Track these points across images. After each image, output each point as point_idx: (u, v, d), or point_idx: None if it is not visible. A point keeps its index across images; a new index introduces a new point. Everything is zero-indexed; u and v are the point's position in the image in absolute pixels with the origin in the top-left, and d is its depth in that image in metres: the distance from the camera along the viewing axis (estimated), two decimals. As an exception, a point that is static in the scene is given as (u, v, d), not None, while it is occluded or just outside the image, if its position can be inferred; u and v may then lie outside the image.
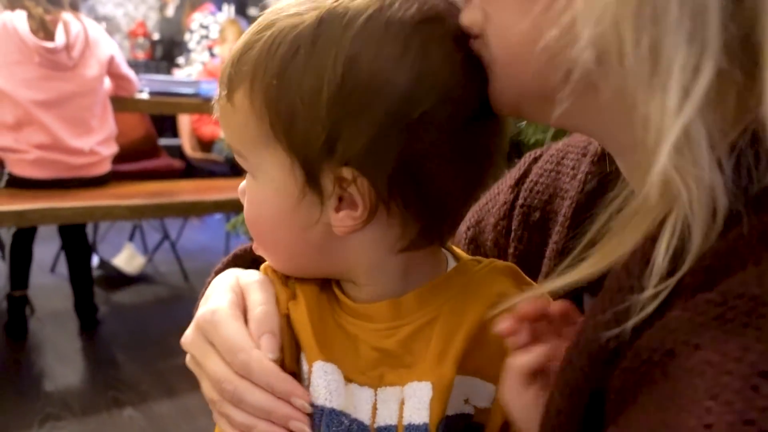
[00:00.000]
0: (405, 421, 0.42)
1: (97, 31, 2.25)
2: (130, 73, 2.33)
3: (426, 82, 0.40)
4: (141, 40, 5.14)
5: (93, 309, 2.45)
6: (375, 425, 0.43)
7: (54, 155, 2.11)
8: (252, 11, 5.22)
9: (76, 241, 2.36)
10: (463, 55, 0.40)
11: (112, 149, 2.28)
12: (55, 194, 2.06)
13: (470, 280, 0.46)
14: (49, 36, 2.08)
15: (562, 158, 0.56)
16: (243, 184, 0.48)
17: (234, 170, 3.20)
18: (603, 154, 0.50)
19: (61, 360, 2.16)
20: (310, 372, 0.44)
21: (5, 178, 2.12)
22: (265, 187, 0.44)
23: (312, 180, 0.42)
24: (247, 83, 0.42)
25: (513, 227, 0.58)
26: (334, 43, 0.39)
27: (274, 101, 0.41)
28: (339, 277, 0.47)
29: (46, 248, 2.92)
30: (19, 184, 2.11)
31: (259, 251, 0.49)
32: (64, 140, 2.12)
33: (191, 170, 3.22)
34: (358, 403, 0.44)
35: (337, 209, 0.42)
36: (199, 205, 2.23)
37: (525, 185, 0.58)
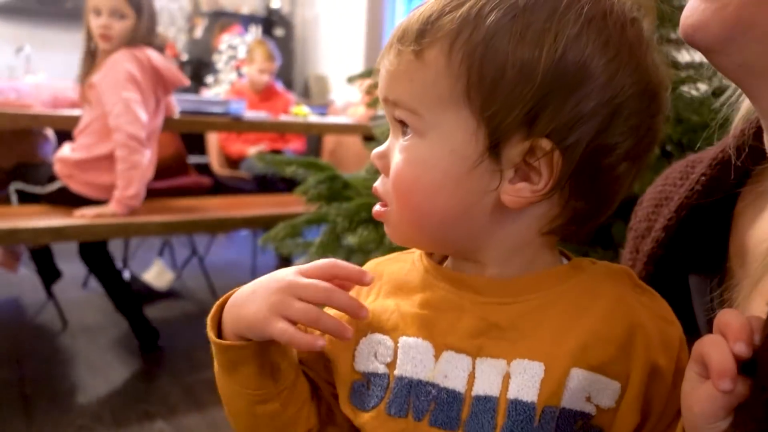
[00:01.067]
0: (510, 395, 0.43)
1: None
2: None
3: (636, 72, 0.42)
4: (171, 61, 5.26)
5: (152, 332, 2.41)
6: (473, 393, 0.44)
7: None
8: (278, 32, 5.31)
9: (100, 263, 2.38)
10: (656, 54, 0.44)
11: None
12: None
13: (588, 277, 0.46)
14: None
15: (670, 173, 0.60)
16: (383, 147, 0.48)
17: (261, 187, 3.24)
18: (726, 161, 0.52)
19: (93, 373, 2.21)
20: (395, 346, 0.47)
21: (53, 188, 2.18)
22: (437, 148, 0.44)
23: (494, 146, 0.42)
24: (447, 42, 0.42)
25: (627, 249, 0.62)
26: (555, 18, 0.41)
27: (479, 64, 0.41)
28: (466, 254, 0.48)
29: (79, 263, 2.99)
30: (67, 200, 2.17)
31: (393, 217, 0.47)
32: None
33: (219, 187, 3.28)
34: (452, 370, 0.45)
35: (512, 181, 0.43)
36: (229, 222, 2.27)
37: (639, 207, 0.63)
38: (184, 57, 5.37)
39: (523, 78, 0.40)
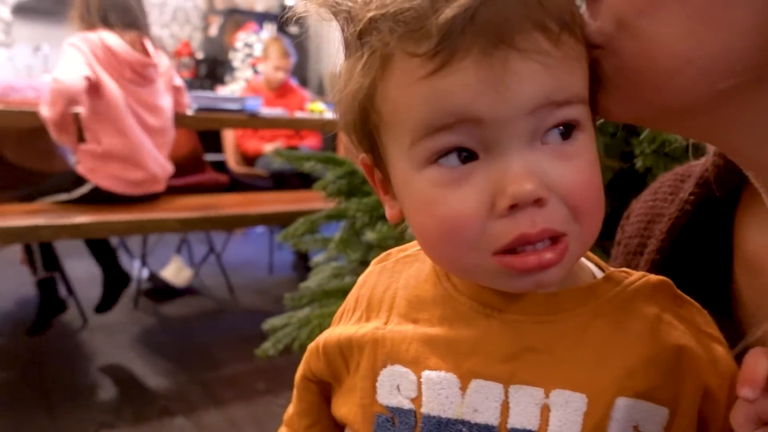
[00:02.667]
0: (551, 430, 0.39)
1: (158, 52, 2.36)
2: (181, 83, 2.42)
3: None
4: (186, 59, 5.28)
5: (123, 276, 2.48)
6: (509, 426, 0.39)
7: (147, 173, 2.19)
8: (293, 29, 5.32)
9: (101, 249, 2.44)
10: None
11: (170, 169, 2.36)
12: (107, 208, 2.13)
13: (623, 292, 0.42)
14: (144, 53, 2.18)
15: (659, 188, 0.58)
16: (522, 170, 0.36)
17: (277, 184, 3.25)
18: (708, 179, 0.50)
19: (113, 370, 2.22)
20: (418, 381, 0.42)
21: (84, 190, 2.20)
22: (593, 140, 0.39)
23: None
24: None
25: (617, 264, 0.59)
26: None
27: None
28: None
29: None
30: (97, 198, 2.18)
31: (575, 247, 0.38)
32: (156, 156, 2.20)
33: (235, 185, 3.29)
34: (482, 402, 0.40)
35: None
36: (245, 218, 2.27)
37: (627, 222, 0.61)
38: (200, 55, 5.40)
39: None
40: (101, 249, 2.43)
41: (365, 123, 0.41)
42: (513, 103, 0.35)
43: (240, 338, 2.49)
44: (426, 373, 0.41)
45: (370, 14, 0.37)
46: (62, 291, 2.46)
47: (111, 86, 2.11)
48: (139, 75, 2.16)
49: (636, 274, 0.43)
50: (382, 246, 1.38)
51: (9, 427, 1.80)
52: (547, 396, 0.39)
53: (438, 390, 0.41)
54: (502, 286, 0.39)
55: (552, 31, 0.35)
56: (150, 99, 2.22)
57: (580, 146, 0.37)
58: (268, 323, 1.48)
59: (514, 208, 0.35)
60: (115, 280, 2.46)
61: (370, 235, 1.32)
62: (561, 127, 0.37)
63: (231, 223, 2.33)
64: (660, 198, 0.57)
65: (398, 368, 0.43)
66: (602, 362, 0.39)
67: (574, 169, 0.37)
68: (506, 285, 0.39)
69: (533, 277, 0.37)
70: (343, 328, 0.48)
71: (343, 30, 0.41)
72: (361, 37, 0.39)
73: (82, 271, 2.38)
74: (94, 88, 2.07)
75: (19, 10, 4.83)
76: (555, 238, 0.37)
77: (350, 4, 0.40)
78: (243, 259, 3.65)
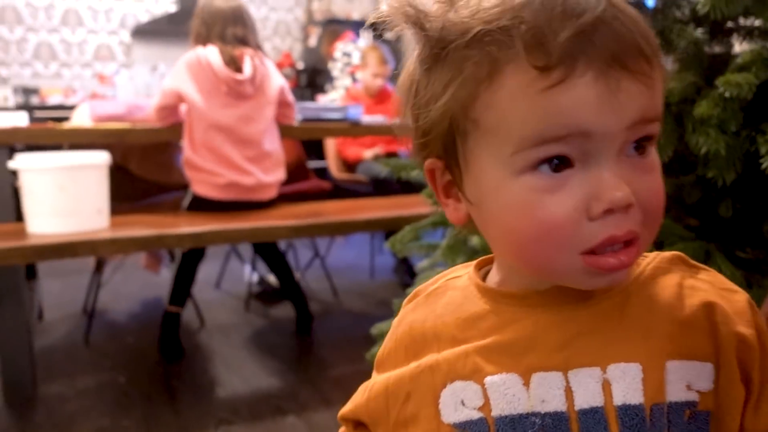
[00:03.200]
0: (617, 402, 0.42)
1: (271, 65, 2.47)
2: (293, 101, 2.53)
3: None
4: (287, 70, 5.49)
5: (308, 317, 2.63)
6: (576, 408, 0.43)
7: (231, 178, 2.32)
8: (389, 35, 5.38)
9: (274, 257, 2.62)
10: None
11: (280, 176, 2.47)
12: (225, 216, 2.27)
13: (644, 271, 0.47)
14: (237, 69, 2.31)
15: None
16: (613, 182, 0.39)
17: (377, 189, 3.31)
18: None
19: (229, 369, 2.35)
20: (483, 388, 0.45)
21: (189, 199, 2.38)
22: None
23: None
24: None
25: None
26: None
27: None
28: None
29: (212, 266, 3.20)
30: (198, 206, 2.35)
31: (641, 249, 0.42)
32: (238, 163, 2.33)
33: (338, 190, 3.38)
34: (547, 392, 0.43)
35: None
36: (350, 225, 2.34)
37: None
38: (300, 65, 5.59)
39: None
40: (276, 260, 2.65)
41: (449, 130, 0.43)
42: (620, 119, 0.39)
43: (346, 340, 2.57)
44: (489, 379, 0.44)
45: (482, 26, 0.40)
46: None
47: (198, 102, 2.26)
48: (233, 90, 2.29)
49: (650, 255, 0.48)
50: (487, 251, 1.39)
51: (138, 421, 1.95)
52: (604, 372, 0.43)
53: (503, 391, 0.44)
54: (581, 284, 0.43)
55: (649, 56, 0.39)
56: (246, 113, 2.34)
57: (654, 159, 0.42)
58: (376, 327, 1.51)
59: (607, 212, 0.39)
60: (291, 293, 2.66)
61: (475, 241, 1.33)
62: (636, 142, 0.41)
63: (336, 230, 2.41)
64: None
65: (458, 384, 0.46)
66: (645, 333, 0.44)
67: (651, 180, 0.41)
68: (586, 283, 0.42)
69: (611, 276, 0.41)
70: (391, 372, 0.51)
71: (426, 40, 0.43)
72: (466, 47, 0.40)
73: (199, 274, 2.53)
74: (186, 100, 2.28)
75: (137, 33, 5.22)
76: (629, 242, 0.41)
77: (449, 17, 0.42)
78: (345, 263, 3.75)
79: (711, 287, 0.46)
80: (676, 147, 1.09)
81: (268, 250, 2.64)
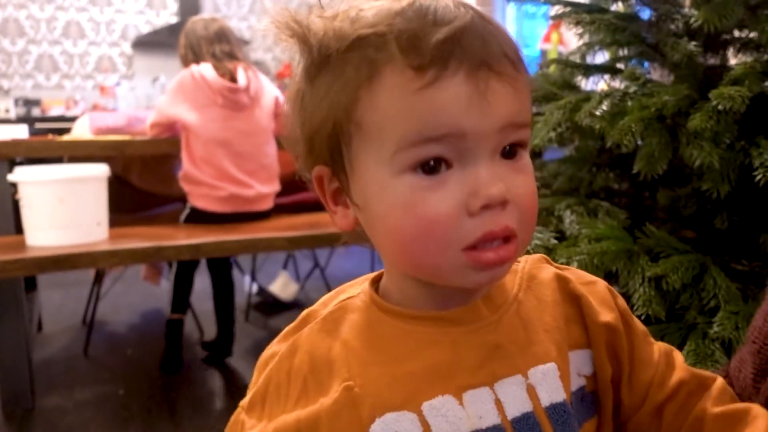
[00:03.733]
0: (545, 403, 0.45)
1: (264, 78, 2.50)
2: None
3: None
4: (288, 80, 5.51)
5: (231, 339, 2.52)
6: (509, 418, 0.44)
7: (231, 191, 2.33)
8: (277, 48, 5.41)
9: (222, 273, 2.55)
10: None
11: (276, 187, 2.48)
12: (223, 228, 2.27)
13: (523, 275, 0.51)
14: (233, 80, 2.34)
15: None
16: (491, 178, 0.42)
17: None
18: None
19: (229, 381, 2.35)
20: (420, 416, 0.43)
21: (187, 212, 2.38)
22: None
23: None
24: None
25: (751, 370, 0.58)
26: None
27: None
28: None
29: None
30: (196, 218, 2.35)
31: (520, 248, 0.45)
32: (237, 176, 2.34)
33: (337, 201, 3.38)
34: (481, 408, 0.44)
35: None
36: (348, 235, 2.33)
37: (762, 324, 0.58)
38: (301, 76, 5.62)
39: None
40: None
41: (333, 135, 0.44)
42: (492, 120, 0.41)
43: (345, 351, 2.56)
44: (427, 404, 0.44)
45: (360, 32, 0.42)
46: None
47: (194, 121, 2.28)
48: (229, 101, 2.30)
49: (521, 259, 0.52)
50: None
51: (138, 432, 1.95)
52: (526, 378, 0.46)
53: (444, 413, 0.44)
54: (465, 280, 0.44)
55: (514, 61, 0.43)
56: (243, 127, 2.35)
57: (527, 163, 0.45)
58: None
59: (484, 208, 0.41)
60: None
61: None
62: (507, 147, 0.43)
63: (334, 241, 2.40)
64: None
65: (390, 416, 0.43)
66: (546, 333, 0.48)
67: (524, 180, 0.44)
68: (469, 279, 0.43)
69: (492, 271, 0.43)
70: (292, 411, 0.45)
71: (309, 51, 0.45)
72: (345, 53, 0.43)
73: (197, 285, 2.53)
74: (180, 123, 2.31)
75: (138, 44, 5.25)
76: (507, 239, 0.43)
77: (329, 27, 0.45)
78: (346, 272, 3.74)
79: (577, 281, 0.51)
80: (671, 159, 1.10)
81: (219, 266, 2.56)
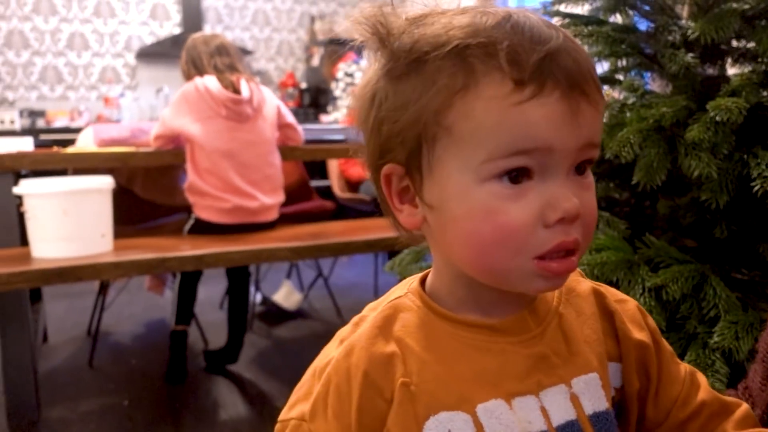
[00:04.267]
0: (588, 412, 0.47)
1: (266, 90, 2.52)
2: (295, 122, 2.56)
3: None
4: (291, 90, 5.53)
5: (239, 346, 2.54)
6: (554, 425, 0.46)
7: (235, 202, 2.34)
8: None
9: (241, 281, 2.56)
10: None
11: (280, 197, 2.49)
12: (226, 238, 2.28)
13: (560, 288, 0.52)
14: (236, 92, 2.35)
15: None
16: (567, 195, 0.44)
17: (379, 208, 3.32)
18: None
19: (232, 391, 2.35)
20: (474, 417, 0.45)
21: (191, 222, 2.39)
22: None
23: None
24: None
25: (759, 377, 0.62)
26: None
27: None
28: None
29: (215, 287, 3.21)
30: (200, 229, 2.37)
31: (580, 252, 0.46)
32: (242, 187, 2.35)
33: (341, 210, 3.40)
34: (529, 414, 0.46)
35: None
36: (352, 245, 2.34)
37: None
38: (303, 85, 5.63)
39: None
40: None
41: (416, 136, 0.45)
42: (578, 139, 0.44)
43: (349, 361, 2.56)
44: (481, 406, 0.46)
45: (462, 41, 0.43)
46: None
47: (198, 134, 2.30)
48: (233, 112, 2.32)
49: None
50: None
51: (142, 443, 1.95)
52: (570, 387, 0.47)
53: (497, 416, 0.46)
54: (530, 287, 0.46)
55: (598, 84, 0.45)
56: (247, 138, 2.37)
57: (591, 180, 0.47)
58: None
59: (560, 221, 0.43)
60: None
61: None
62: (580, 163, 0.45)
63: (338, 251, 2.41)
64: None
65: (444, 415, 0.45)
66: (587, 344, 0.50)
67: (590, 198, 0.46)
68: (534, 286, 0.46)
69: (555, 280, 0.46)
70: (355, 409, 0.46)
71: (391, 52, 0.46)
72: (441, 59, 0.43)
73: (202, 295, 2.54)
74: (184, 135, 2.32)
75: (141, 55, 5.28)
76: (570, 251, 0.45)
77: (422, 32, 0.45)
78: (349, 282, 3.75)
79: (611, 297, 0.54)
80: (670, 170, 1.10)
81: (237, 273, 2.57)
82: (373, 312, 0.51)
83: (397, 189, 0.49)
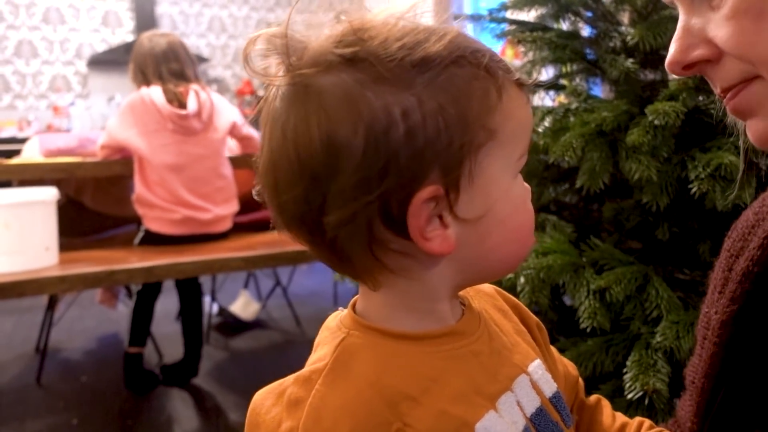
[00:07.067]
0: (547, 395, 0.49)
1: (220, 100, 2.47)
2: (253, 132, 2.52)
3: None
4: (248, 97, 5.49)
5: (198, 358, 2.48)
6: (528, 415, 0.47)
7: (185, 213, 2.30)
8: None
9: (192, 293, 2.50)
10: None
11: (233, 208, 2.45)
12: (177, 249, 2.23)
13: (472, 288, 0.54)
14: (182, 105, 2.30)
15: (766, 196, 0.60)
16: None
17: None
18: None
19: (187, 405, 2.30)
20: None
21: (141, 235, 2.34)
22: None
23: None
24: None
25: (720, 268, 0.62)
26: None
27: None
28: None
29: (171, 298, 3.14)
30: (151, 241, 2.31)
31: None
32: (192, 200, 2.30)
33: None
34: (512, 412, 0.46)
35: None
36: (308, 254, 2.30)
37: (732, 231, 0.63)
38: (261, 92, 5.59)
39: None
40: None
41: (462, 146, 0.41)
42: None
43: (307, 370, 2.53)
44: (479, 424, 0.43)
45: (485, 61, 0.44)
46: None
47: (144, 147, 2.25)
48: (180, 126, 2.28)
49: None
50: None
51: (93, 461, 1.89)
52: (528, 375, 0.49)
53: (495, 428, 0.44)
54: (517, 266, 0.51)
55: None
56: (196, 151, 2.33)
57: None
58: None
59: None
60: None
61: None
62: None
63: (294, 259, 2.39)
64: (767, 204, 0.57)
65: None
66: (517, 333, 0.52)
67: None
68: (518, 264, 0.51)
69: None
70: None
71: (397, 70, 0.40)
72: (462, 68, 0.42)
73: (157, 307, 2.48)
74: (130, 149, 2.28)
75: (93, 63, 5.16)
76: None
77: (432, 47, 0.42)
78: (308, 290, 3.72)
79: (498, 295, 0.57)
80: (614, 173, 1.12)
81: (187, 286, 2.50)
82: (320, 363, 0.45)
83: (426, 216, 0.42)
